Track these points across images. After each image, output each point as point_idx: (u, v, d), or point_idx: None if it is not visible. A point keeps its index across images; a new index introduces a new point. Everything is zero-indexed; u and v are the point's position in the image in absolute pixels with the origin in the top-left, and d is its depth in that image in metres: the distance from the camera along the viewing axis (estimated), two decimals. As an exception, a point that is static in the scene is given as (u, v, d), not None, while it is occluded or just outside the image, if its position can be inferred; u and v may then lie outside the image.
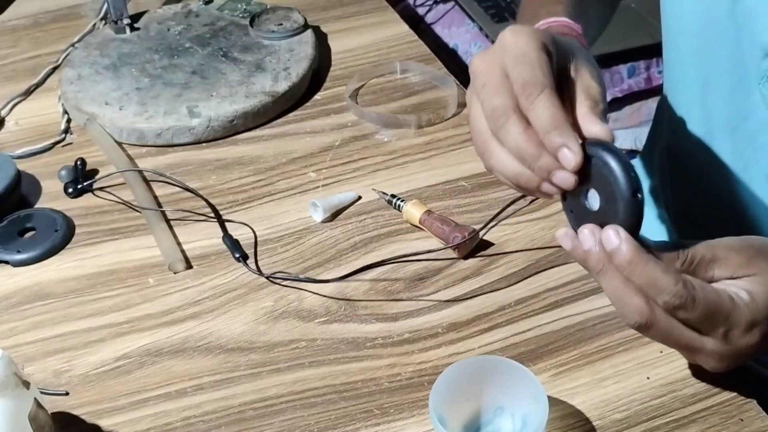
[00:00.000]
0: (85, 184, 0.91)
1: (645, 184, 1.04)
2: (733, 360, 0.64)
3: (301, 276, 0.81)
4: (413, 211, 0.85)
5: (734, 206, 0.85)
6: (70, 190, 0.91)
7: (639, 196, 0.61)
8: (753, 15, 0.75)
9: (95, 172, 0.93)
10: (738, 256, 0.64)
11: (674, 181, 0.97)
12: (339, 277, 0.80)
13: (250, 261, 0.83)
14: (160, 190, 0.91)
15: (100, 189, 0.91)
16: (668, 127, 0.96)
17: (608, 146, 0.63)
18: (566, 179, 0.62)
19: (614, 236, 0.61)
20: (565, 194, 0.65)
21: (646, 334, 0.63)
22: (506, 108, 0.63)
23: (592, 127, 0.64)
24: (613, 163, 0.61)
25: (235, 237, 0.85)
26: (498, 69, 0.65)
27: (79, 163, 0.92)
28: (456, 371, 0.65)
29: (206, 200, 0.89)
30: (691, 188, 0.93)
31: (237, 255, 0.83)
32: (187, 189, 0.90)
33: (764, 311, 0.63)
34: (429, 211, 0.84)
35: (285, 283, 0.81)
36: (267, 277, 0.81)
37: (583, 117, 0.64)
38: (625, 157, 0.62)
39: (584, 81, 0.67)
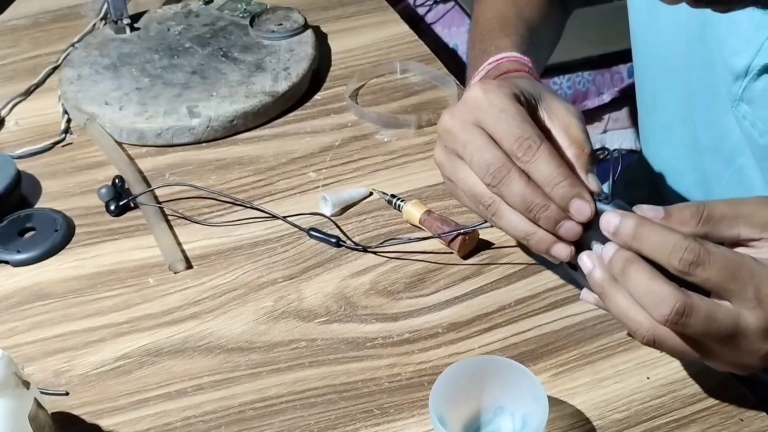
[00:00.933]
0: (128, 199, 0.88)
1: (640, 188, 1.04)
2: None
3: (401, 237, 0.83)
4: (413, 211, 0.85)
5: None
6: (113, 207, 0.88)
7: None
8: (721, 39, 0.75)
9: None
10: (765, 212, 0.60)
11: (666, 191, 0.96)
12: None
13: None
14: (161, 190, 0.91)
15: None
16: (652, 146, 0.95)
17: (603, 198, 0.64)
18: (573, 229, 0.63)
19: (613, 217, 0.60)
20: (574, 265, 0.65)
21: (683, 329, 0.58)
22: (504, 161, 0.63)
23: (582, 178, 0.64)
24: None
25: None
26: (475, 127, 0.64)
27: (117, 180, 0.89)
28: (456, 371, 0.65)
29: (245, 205, 0.89)
30: (681, 200, 0.92)
31: (333, 240, 0.84)
32: (235, 203, 0.90)
33: None
34: (429, 211, 0.84)
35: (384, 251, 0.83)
36: (365, 249, 0.83)
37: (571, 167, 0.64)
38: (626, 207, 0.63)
39: (562, 121, 0.66)
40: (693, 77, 0.81)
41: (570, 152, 0.65)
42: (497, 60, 0.79)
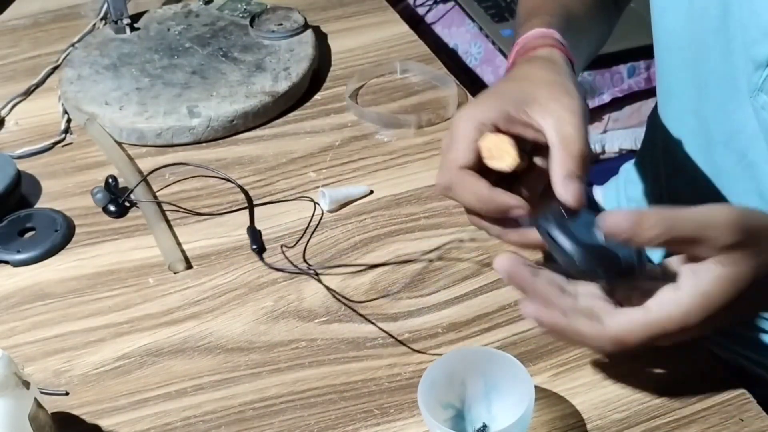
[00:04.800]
0: (124, 198, 0.88)
1: (642, 186, 1.04)
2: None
3: (308, 267, 0.81)
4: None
5: None
6: (113, 208, 0.88)
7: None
8: (744, 27, 0.75)
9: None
10: (728, 237, 0.61)
11: (670, 186, 0.97)
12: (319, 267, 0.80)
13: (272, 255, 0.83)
14: (161, 191, 0.91)
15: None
16: (662, 137, 0.95)
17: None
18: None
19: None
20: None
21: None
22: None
23: (561, 189, 0.65)
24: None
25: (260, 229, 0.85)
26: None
27: (111, 180, 0.89)
28: (441, 365, 0.66)
29: (241, 188, 0.89)
30: (686, 196, 0.93)
31: (254, 246, 0.83)
32: (227, 179, 0.90)
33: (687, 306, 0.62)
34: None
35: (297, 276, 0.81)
36: (279, 269, 0.82)
37: (555, 176, 0.66)
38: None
39: (554, 119, 0.67)
40: (709, 67, 0.80)
41: (556, 153, 0.66)
42: (524, 39, 0.78)
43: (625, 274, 0.63)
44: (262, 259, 0.83)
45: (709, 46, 0.79)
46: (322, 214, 0.88)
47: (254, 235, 0.85)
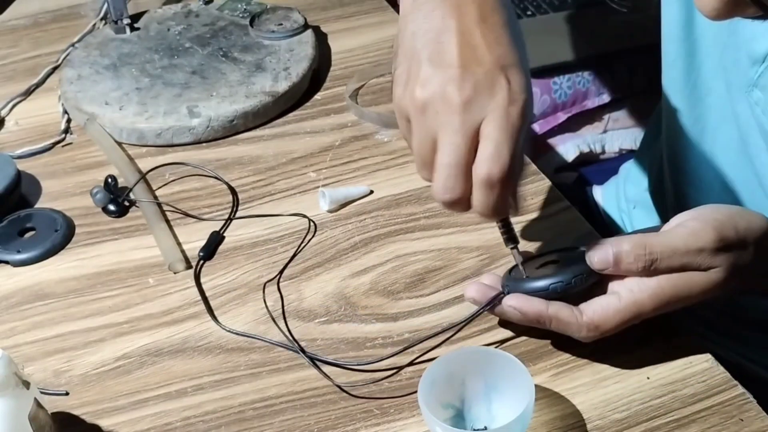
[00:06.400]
0: (123, 198, 0.88)
1: (641, 185, 1.04)
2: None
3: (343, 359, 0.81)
4: None
5: None
6: (113, 208, 0.88)
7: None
8: (744, 22, 0.76)
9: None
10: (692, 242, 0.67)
11: (673, 182, 0.97)
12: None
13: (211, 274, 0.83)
14: (161, 190, 0.91)
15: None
16: (666, 130, 0.96)
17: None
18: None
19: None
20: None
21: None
22: (464, 187, 0.66)
23: None
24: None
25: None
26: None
27: (110, 180, 0.89)
28: (441, 364, 0.66)
29: (231, 188, 0.89)
30: (689, 191, 0.93)
31: (201, 253, 0.83)
32: (217, 177, 0.90)
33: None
34: None
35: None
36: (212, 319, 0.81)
37: None
38: None
39: None
40: (707, 60, 0.81)
41: None
42: None
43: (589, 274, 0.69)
44: (198, 274, 0.82)
45: (707, 39, 0.80)
46: (315, 228, 0.87)
47: (211, 242, 0.84)
